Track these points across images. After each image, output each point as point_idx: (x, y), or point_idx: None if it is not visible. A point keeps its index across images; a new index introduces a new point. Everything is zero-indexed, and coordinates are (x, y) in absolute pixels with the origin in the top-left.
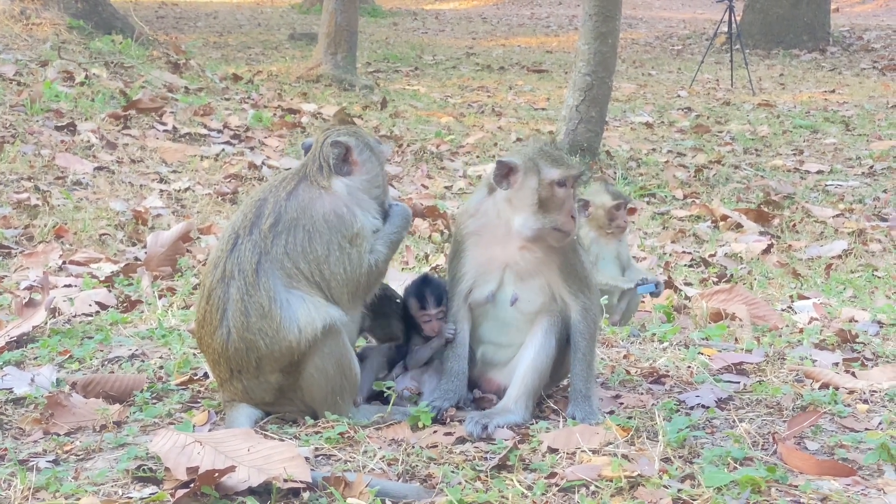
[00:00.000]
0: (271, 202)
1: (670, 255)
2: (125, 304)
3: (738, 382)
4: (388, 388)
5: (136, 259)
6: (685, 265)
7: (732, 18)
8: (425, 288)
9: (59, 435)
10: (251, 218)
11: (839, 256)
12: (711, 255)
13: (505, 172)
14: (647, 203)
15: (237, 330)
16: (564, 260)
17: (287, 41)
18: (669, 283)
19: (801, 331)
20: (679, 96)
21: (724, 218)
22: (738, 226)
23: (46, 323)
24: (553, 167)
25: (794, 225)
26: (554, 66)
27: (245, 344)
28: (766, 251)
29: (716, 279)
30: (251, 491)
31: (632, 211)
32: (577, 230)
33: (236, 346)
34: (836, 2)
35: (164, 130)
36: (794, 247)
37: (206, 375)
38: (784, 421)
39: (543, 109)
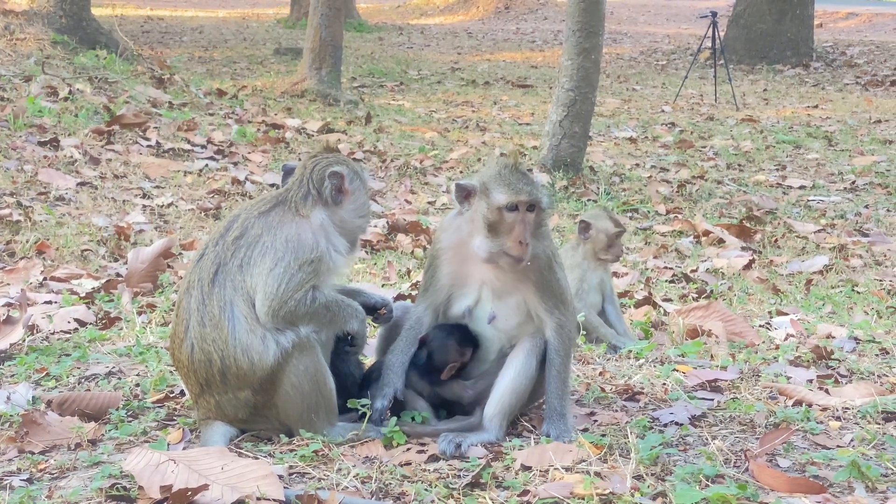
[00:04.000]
0: (242, 217)
1: (652, 270)
2: (104, 321)
3: (713, 399)
4: (363, 406)
5: (118, 275)
6: (666, 280)
7: (716, 34)
8: (452, 334)
9: (33, 453)
10: (221, 231)
11: (820, 272)
12: (693, 271)
13: (465, 195)
14: (630, 218)
15: (198, 341)
16: (540, 277)
17: (272, 56)
18: (649, 300)
19: (777, 347)
20: (663, 111)
21: (707, 233)
22: (721, 241)
23: (24, 340)
24: (502, 192)
25: (776, 240)
26: (539, 81)
27: (205, 356)
28: (748, 267)
29: (695, 295)
30: None
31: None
32: (582, 252)
33: (199, 357)
34: (819, 17)
35: (148, 146)
36: (775, 262)
37: (182, 393)
38: (757, 438)
39: (528, 124)
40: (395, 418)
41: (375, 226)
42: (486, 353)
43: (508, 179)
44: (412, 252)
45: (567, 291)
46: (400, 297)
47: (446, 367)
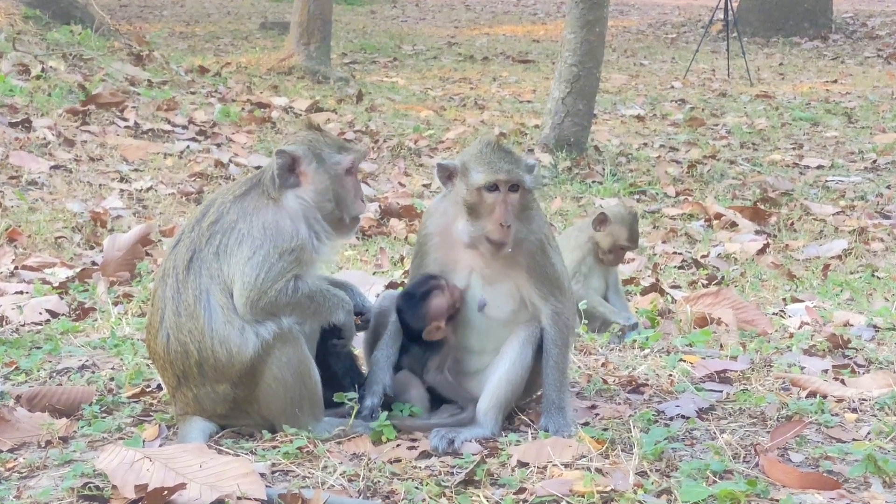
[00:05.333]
0: (218, 202)
1: (660, 255)
2: (78, 312)
3: (721, 391)
4: (350, 400)
5: (93, 264)
6: (675, 266)
7: (729, 5)
8: (412, 292)
9: (1, 451)
10: (197, 216)
11: (838, 256)
12: (704, 256)
13: (447, 175)
14: (638, 201)
15: (173, 331)
16: (532, 261)
17: (258, 31)
18: (656, 287)
19: (791, 336)
20: (672, 87)
21: (719, 216)
22: (733, 224)
23: None
24: (480, 171)
25: (792, 223)
26: (541, 56)
27: (182, 347)
28: (762, 251)
29: (706, 282)
30: None
31: None
32: (589, 237)
33: (175, 349)
34: None
35: (126, 126)
36: (791, 246)
37: (158, 387)
38: (767, 432)
39: (529, 102)
40: (384, 413)
41: (367, 209)
42: (481, 344)
43: (488, 158)
44: (406, 238)
45: (563, 277)
46: (392, 285)
47: (425, 330)
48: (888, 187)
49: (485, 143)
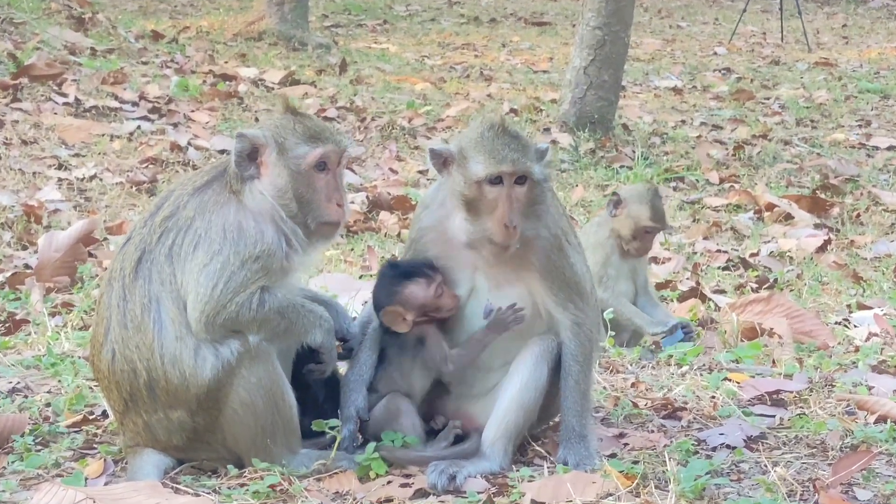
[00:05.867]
0: (176, 194)
1: (701, 254)
2: (8, 325)
3: (774, 416)
4: (332, 429)
5: (27, 267)
6: (719, 267)
7: None
8: (400, 265)
9: None
10: (151, 209)
11: None
12: (753, 255)
13: (442, 162)
14: (674, 189)
15: (119, 346)
16: (547, 262)
17: None
18: (696, 292)
19: (857, 350)
20: (716, 54)
21: (771, 207)
22: (788, 217)
23: None
24: (481, 161)
25: (858, 215)
26: (559, 17)
27: (129, 365)
28: (822, 249)
29: (755, 285)
30: None
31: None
32: (610, 232)
33: (121, 367)
34: None
35: (65, 103)
36: (856, 243)
37: (104, 414)
38: (829, 464)
39: (545, 72)
40: (372, 444)
41: (353, 202)
42: (487, 360)
43: (490, 144)
44: (398, 234)
45: (585, 280)
46: None
47: (384, 311)
48: None
49: (486, 126)
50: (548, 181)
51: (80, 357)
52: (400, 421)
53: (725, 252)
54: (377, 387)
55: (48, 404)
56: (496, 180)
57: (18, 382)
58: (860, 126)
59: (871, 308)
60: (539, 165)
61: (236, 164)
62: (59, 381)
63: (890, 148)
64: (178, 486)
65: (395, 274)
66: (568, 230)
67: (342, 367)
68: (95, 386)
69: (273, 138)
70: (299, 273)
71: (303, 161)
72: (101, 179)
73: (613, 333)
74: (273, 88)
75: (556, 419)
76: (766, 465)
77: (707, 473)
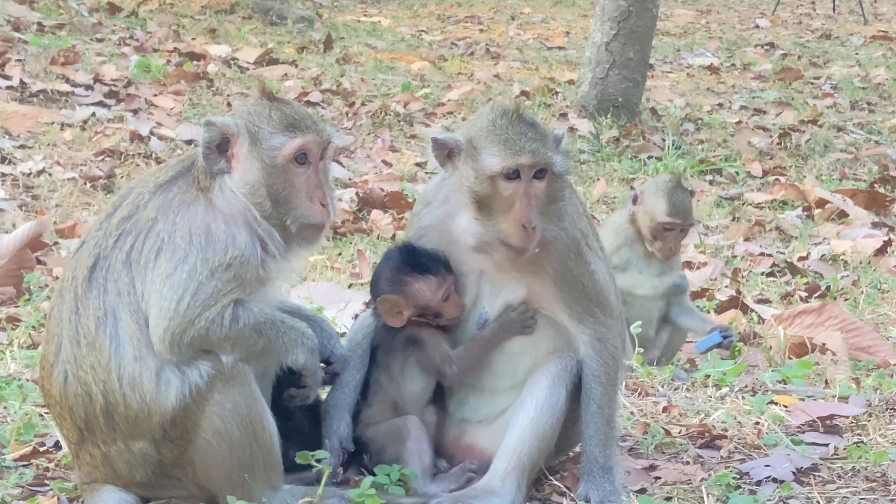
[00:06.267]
0: (136, 191)
1: (742, 258)
2: None
3: (827, 445)
4: (319, 462)
5: None
6: (762, 273)
7: None
8: (417, 254)
9: None
10: (108, 210)
11: None
12: (801, 259)
13: (446, 153)
14: (711, 183)
15: (71, 367)
16: (563, 269)
17: None
18: (736, 301)
19: None
20: (757, 27)
21: (822, 203)
22: (842, 214)
23: None
24: (494, 153)
25: None
26: None
27: (83, 388)
28: (881, 251)
29: (804, 294)
30: None
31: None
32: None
33: (75, 391)
34: None
35: (8, 87)
36: None
37: (57, 445)
38: (890, 499)
39: (561, 48)
40: (368, 478)
41: (340, 199)
42: (494, 380)
43: (505, 134)
44: (393, 236)
45: (608, 290)
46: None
47: (381, 298)
48: None
49: (499, 113)
50: (568, 174)
51: (28, 380)
52: (406, 445)
53: (770, 255)
54: (368, 397)
55: None
56: (513, 174)
57: None
58: None
59: None
60: (559, 156)
61: (204, 157)
62: (5, 407)
63: None
64: None
65: (408, 262)
66: (588, 232)
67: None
68: (46, 413)
69: (245, 127)
70: (278, 283)
71: (278, 153)
72: (50, 174)
73: (642, 350)
74: (248, 69)
75: (577, 449)
76: (818, 502)
77: None
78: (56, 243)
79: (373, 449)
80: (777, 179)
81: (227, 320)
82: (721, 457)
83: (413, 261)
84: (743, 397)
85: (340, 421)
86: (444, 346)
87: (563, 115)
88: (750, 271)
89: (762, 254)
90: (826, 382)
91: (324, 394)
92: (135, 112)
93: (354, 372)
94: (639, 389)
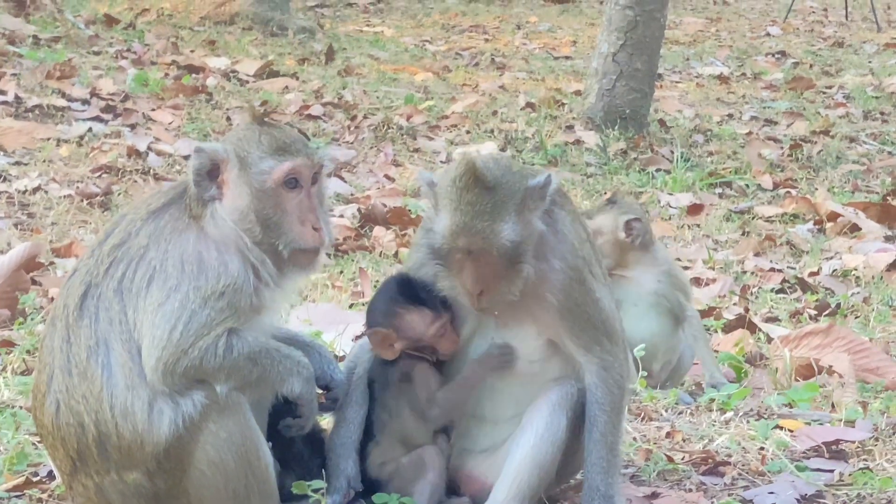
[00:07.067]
0: (129, 217)
1: (752, 274)
2: None
3: (832, 471)
4: (316, 492)
5: None
6: (772, 290)
7: None
8: (414, 287)
9: None
10: (101, 236)
11: None
12: (812, 274)
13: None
14: (720, 196)
15: (63, 397)
16: (566, 300)
17: None
18: (744, 321)
19: None
20: (768, 35)
21: (834, 217)
22: (854, 228)
23: None
24: (443, 221)
25: None
26: None
27: (75, 418)
28: (894, 266)
29: (813, 311)
30: None
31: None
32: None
33: (67, 420)
34: None
35: (3, 102)
36: None
37: (50, 475)
38: None
39: (567, 59)
40: None
41: (342, 215)
42: (495, 410)
43: (456, 202)
44: (395, 254)
45: (612, 318)
46: None
47: (372, 331)
48: None
49: (458, 175)
50: (522, 244)
51: (21, 407)
52: (427, 476)
53: (780, 271)
54: (374, 434)
55: None
56: (457, 252)
57: None
58: None
59: None
60: (515, 227)
61: (195, 184)
62: None
63: None
64: None
65: (402, 293)
66: (591, 259)
67: (327, 418)
68: (39, 442)
69: (235, 152)
70: (273, 311)
71: (268, 177)
72: (45, 192)
73: (645, 374)
74: (248, 82)
75: (578, 477)
76: None
77: None
78: (52, 263)
79: (396, 485)
80: (788, 192)
81: (221, 349)
82: (724, 483)
83: (408, 292)
84: (748, 422)
85: (347, 460)
86: (433, 385)
87: (570, 127)
88: (759, 288)
89: (772, 269)
90: (833, 406)
91: (323, 421)
92: (132, 127)
93: (357, 408)
94: (642, 414)
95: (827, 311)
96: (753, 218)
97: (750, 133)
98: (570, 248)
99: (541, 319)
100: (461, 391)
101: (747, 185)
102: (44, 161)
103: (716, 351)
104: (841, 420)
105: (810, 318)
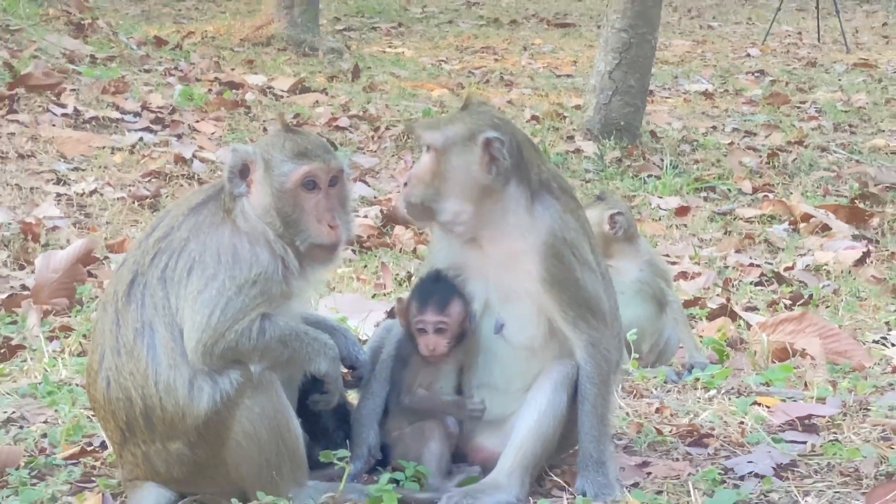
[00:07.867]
0: (172, 213)
1: (733, 268)
2: (3, 351)
3: (805, 442)
4: (341, 460)
5: (23, 288)
6: (752, 283)
7: None
8: (433, 286)
9: None
10: (147, 230)
11: None
12: (788, 269)
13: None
14: (705, 199)
15: (113, 374)
16: (546, 273)
17: None
18: (726, 309)
19: (895, 371)
20: (749, 55)
21: (807, 218)
22: (825, 228)
23: None
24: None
25: None
26: (583, 18)
27: (124, 394)
28: (861, 262)
29: (788, 302)
30: None
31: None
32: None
33: (116, 395)
34: None
35: (63, 115)
36: None
37: (103, 445)
38: (863, 493)
39: (569, 76)
40: (386, 475)
41: (366, 216)
42: (506, 380)
43: None
44: (414, 250)
45: (599, 299)
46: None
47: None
48: None
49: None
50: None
51: (77, 385)
52: (428, 446)
53: (759, 266)
54: (391, 407)
55: (44, 435)
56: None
57: (13, 412)
58: None
59: None
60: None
61: (228, 180)
62: (56, 410)
63: None
64: None
65: (434, 282)
66: (577, 243)
67: (353, 395)
68: (93, 416)
69: (261, 155)
70: (301, 298)
71: (287, 179)
72: (101, 194)
73: (637, 356)
74: (282, 96)
75: (576, 447)
76: (796, 495)
77: (735, 503)
78: (106, 258)
79: (398, 450)
80: (766, 196)
81: (255, 333)
82: (708, 454)
83: (436, 284)
84: (729, 399)
85: (369, 430)
86: (418, 378)
87: (570, 138)
88: (740, 281)
89: (752, 264)
90: (805, 385)
91: (350, 396)
92: (179, 137)
93: (382, 383)
94: (634, 391)
95: (800, 302)
96: (735, 219)
97: (732, 143)
98: (551, 224)
99: (535, 295)
100: (433, 405)
101: (729, 190)
102: (99, 167)
103: (700, 336)
104: (813, 397)
105: (785, 307)
